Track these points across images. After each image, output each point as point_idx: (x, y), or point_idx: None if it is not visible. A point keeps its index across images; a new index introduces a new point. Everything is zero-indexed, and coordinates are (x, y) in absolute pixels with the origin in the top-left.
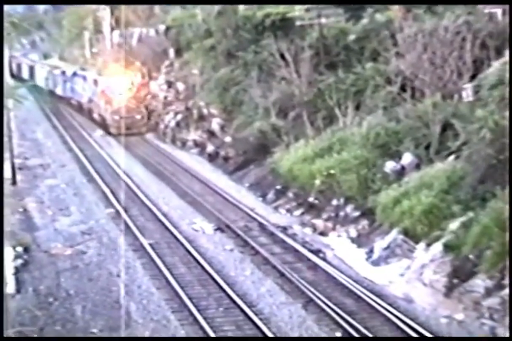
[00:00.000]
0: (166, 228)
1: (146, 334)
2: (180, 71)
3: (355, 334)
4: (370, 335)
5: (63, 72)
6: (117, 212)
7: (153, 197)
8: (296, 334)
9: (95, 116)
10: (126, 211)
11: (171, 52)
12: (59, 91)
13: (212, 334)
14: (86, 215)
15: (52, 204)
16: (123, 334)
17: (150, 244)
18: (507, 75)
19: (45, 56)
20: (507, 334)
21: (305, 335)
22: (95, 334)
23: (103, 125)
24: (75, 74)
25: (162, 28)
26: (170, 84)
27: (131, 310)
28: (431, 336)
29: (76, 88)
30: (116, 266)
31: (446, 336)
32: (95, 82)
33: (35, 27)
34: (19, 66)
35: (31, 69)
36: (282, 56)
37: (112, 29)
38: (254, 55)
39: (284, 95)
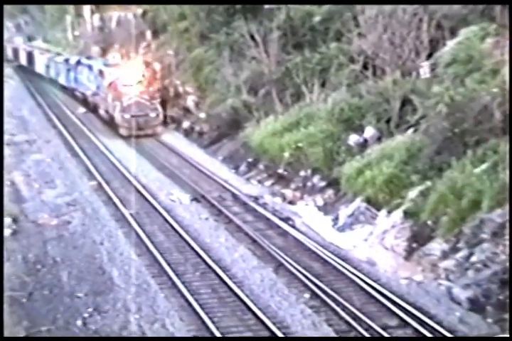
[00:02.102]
0: (146, 199)
1: (128, 297)
2: (157, 52)
3: (322, 295)
4: (336, 296)
5: (66, 60)
6: (100, 184)
7: (133, 170)
8: (266, 296)
9: (102, 112)
10: (108, 183)
11: (148, 34)
12: (62, 80)
13: (187, 294)
14: (70, 187)
15: (39, 178)
16: (106, 297)
17: (131, 214)
18: (461, 54)
19: (30, 39)
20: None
21: (275, 297)
22: (80, 298)
23: (111, 124)
24: (79, 62)
25: (139, 11)
26: (147, 64)
27: (113, 275)
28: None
29: (80, 78)
30: (99, 234)
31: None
32: (101, 72)
33: (19, 11)
34: (16, 51)
35: (29, 55)
36: (252, 37)
37: (92, 13)
38: (226, 36)
39: (254, 74)
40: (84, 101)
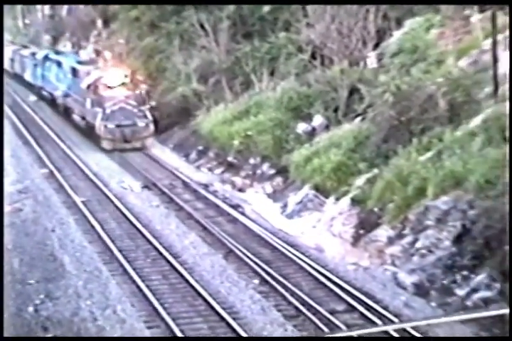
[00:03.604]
0: (97, 186)
1: (79, 284)
2: (108, 40)
3: (271, 281)
4: (285, 281)
5: (33, 54)
6: (51, 172)
7: (84, 157)
8: (217, 282)
9: (76, 118)
10: (59, 171)
11: (99, 22)
12: (28, 77)
13: (138, 281)
14: (22, 175)
15: None
16: (57, 284)
17: (82, 202)
18: (406, 44)
19: None
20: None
21: (225, 283)
22: (32, 284)
23: (90, 134)
24: (46, 57)
25: None
26: (98, 53)
27: (65, 262)
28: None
29: (48, 76)
30: (50, 222)
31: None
32: (74, 70)
33: None
34: None
35: None
36: (202, 26)
37: None
38: (176, 25)
39: (205, 62)
40: (52, 103)
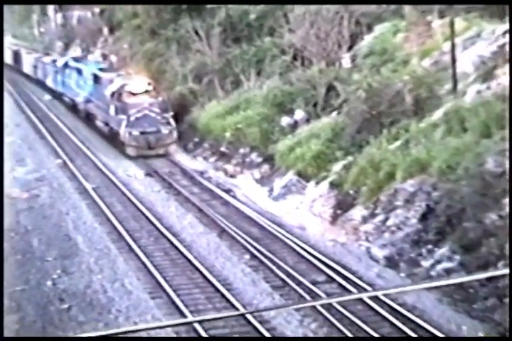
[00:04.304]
0: (105, 175)
1: (91, 260)
2: (113, 46)
3: (260, 256)
4: (272, 256)
5: (54, 61)
6: (64, 162)
7: (94, 150)
8: (212, 258)
9: (99, 124)
10: (72, 161)
11: (105, 30)
12: (50, 83)
13: (143, 257)
14: (39, 165)
15: (11, 157)
16: (72, 260)
17: (92, 188)
18: (376, 47)
19: None
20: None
21: (219, 258)
22: (49, 261)
23: (114, 141)
24: (66, 65)
25: (97, 10)
26: (105, 57)
27: (78, 241)
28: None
29: (68, 83)
30: (65, 206)
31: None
32: (96, 78)
33: None
34: None
35: (16, 54)
36: (196, 32)
37: (56, 12)
38: (174, 32)
39: (199, 64)
40: (73, 108)
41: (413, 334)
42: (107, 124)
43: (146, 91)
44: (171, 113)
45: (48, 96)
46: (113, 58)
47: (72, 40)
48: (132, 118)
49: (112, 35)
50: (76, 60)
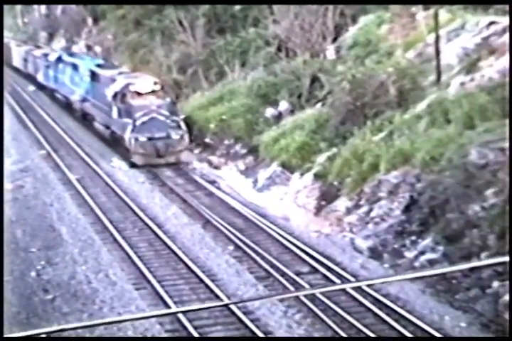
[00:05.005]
0: (89, 165)
1: (75, 251)
2: (98, 36)
3: (244, 247)
4: (256, 247)
5: (45, 55)
6: (48, 153)
7: (78, 140)
8: (196, 248)
9: (99, 127)
10: (55, 152)
11: (89, 21)
12: (40, 78)
13: (127, 248)
14: (23, 156)
15: None
16: (56, 251)
17: (76, 179)
18: (361, 38)
19: None
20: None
21: (204, 249)
22: (33, 252)
23: (117, 147)
24: (59, 59)
25: None
26: (89, 47)
27: (62, 232)
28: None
29: (61, 78)
30: (49, 197)
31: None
32: (93, 75)
33: None
34: None
35: (5, 47)
36: (181, 23)
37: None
38: (158, 22)
39: (183, 55)
40: (67, 107)
41: (396, 325)
42: (107, 127)
43: (153, 92)
44: (182, 116)
45: (32, 87)
46: (97, 49)
47: (57, 30)
48: (138, 123)
49: (96, 26)
50: (70, 54)
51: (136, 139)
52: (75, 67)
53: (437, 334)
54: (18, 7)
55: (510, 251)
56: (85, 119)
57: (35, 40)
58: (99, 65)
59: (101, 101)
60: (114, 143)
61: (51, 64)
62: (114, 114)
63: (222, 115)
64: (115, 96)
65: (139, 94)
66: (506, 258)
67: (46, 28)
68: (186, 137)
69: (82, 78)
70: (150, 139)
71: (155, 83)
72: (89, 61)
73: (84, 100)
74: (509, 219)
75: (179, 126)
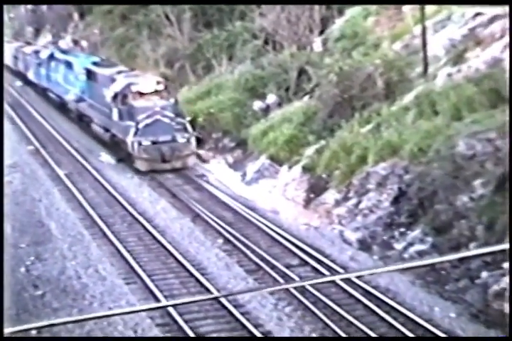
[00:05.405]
0: (78, 161)
1: (65, 246)
2: (84, 31)
3: (234, 240)
4: (246, 240)
5: (36, 52)
6: (36, 148)
7: (66, 136)
8: (186, 242)
9: (97, 129)
10: (44, 147)
11: (76, 15)
12: (31, 76)
13: (116, 243)
14: (11, 152)
15: None
16: (45, 247)
17: (65, 174)
18: (347, 30)
19: None
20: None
21: (193, 243)
22: (23, 248)
23: (118, 151)
24: (52, 57)
25: None
26: (76, 42)
27: (51, 227)
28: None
29: (54, 77)
30: (37, 192)
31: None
32: (89, 73)
33: None
34: None
35: None
36: (167, 17)
37: None
38: (145, 16)
39: (170, 49)
40: (61, 107)
41: (386, 316)
42: (107, 130)
43: (156, 92)
44: (188, 117)
45: (19, 83)
46: (84, 44)
47: (43, 25)
48: (142, 125)
49: (82, 21)
50: (63, 51)
51: (140, 143)
52: (68, 64)
53: (427, 326)
54: None
55: (511, 240)
56: (81, 121)
57: (22, 36)
58: (95, 63)
59: (99, 102)
60: (115, 146)
61: (43, 61)
62: (115, 115)
63: (210, 109)
64: (115, 97)
65: (141, 94)
66: (506, 246)
67: (32, 23)
68: (193, 140)
69: (76, 77)
70: (154, 143)
71: (158, 83)
72: (84, 58)
73: (79, 100)
74: (509, 210)
75: (185, 129)
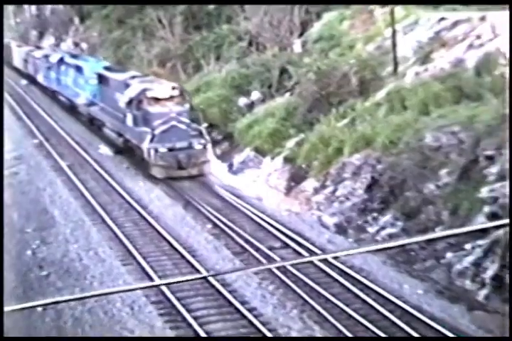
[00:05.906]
0: (79, 153)
1: (67, 231)
2: (84, 34)
3: (221, 225)
4: (232, 225)
5: (46, 56)
6: (41, 142)
7: (68, 129)
8: (178, 227)
9: (109, 133)
10: (47, 141)
11: (76, 20)
12: (41, 79)
13: (114, 228)
14: (17, 145)
15: None
16: (49, 232)
17: (67, 165)
18: (325, 33)
19: None
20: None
21: (185, 227)
22: (29, 233)
23: (132, 157)
24: (61, 61)
25: None
26: (76, 44)
27: (55, 214)
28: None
29: (64, 81)
30: (42, 182)
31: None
32: (101, 78)
33: None
34: None
35: (6, 47)
36: (160, 21)
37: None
38: (139, 20)
39: (163, 50)
40: (71, 110)
41: (360, 293)
42: (120, 135)
43: (172, 97)
44: (205, 124)
45: (24, 81)
46: (84, 45)
47: (46, 29)
48: (157, 132)
49: (82, 25)
50: (73, 55)
51: (156, 150)
52: (78, 69)
53: (397, 301)
54: (10, 8)
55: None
56: (92, 124)
57: (27, 39)
58: (106, 68)
59: (112, 107)
60: (128, 152)
61: (53, 65)
62: (129, 121)
63: (200, 105)
64: (130, 102)
65: (156, 100)
66: (506, 221)
67: (37, 27)
68: (209, 147)
69: (87, 81)
70: (171, 150)
71: (173, 88)
72: (95, 63)
73: (91, 104)
74: (509, 206)
75: (201, 135)
